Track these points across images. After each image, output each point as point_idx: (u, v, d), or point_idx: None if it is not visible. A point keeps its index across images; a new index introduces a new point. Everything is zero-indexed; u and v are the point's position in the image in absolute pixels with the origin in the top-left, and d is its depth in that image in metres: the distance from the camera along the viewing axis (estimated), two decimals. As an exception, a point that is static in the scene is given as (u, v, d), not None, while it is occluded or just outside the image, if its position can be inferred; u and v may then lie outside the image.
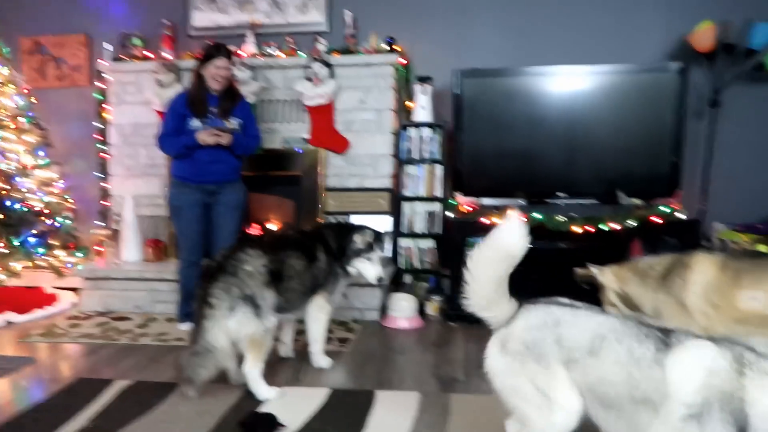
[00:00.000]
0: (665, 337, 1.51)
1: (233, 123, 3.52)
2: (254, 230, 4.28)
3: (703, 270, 2.31)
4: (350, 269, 3.02)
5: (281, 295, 2.71)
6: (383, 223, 4.17)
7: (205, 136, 3.43)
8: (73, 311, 4.15)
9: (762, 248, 3.61)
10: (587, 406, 1.63)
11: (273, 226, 4.23)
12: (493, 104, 4.00)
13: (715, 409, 1.35)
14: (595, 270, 2.56)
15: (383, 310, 3.90)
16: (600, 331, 1.59)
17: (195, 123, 3.47)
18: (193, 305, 2.68)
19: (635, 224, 3.64)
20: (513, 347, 1.71)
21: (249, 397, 2.60)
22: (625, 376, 1.52)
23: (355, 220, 4.19)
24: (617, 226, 3.64)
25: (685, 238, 3.45)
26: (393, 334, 3.62)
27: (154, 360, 3.15)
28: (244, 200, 3.70)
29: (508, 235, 1.68)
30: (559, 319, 1.67)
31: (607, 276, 2.53)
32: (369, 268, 3.02)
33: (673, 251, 2.57)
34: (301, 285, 2.83)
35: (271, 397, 2.61)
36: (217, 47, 3.50)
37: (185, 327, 3.48)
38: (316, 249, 2.95)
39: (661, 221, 3.65)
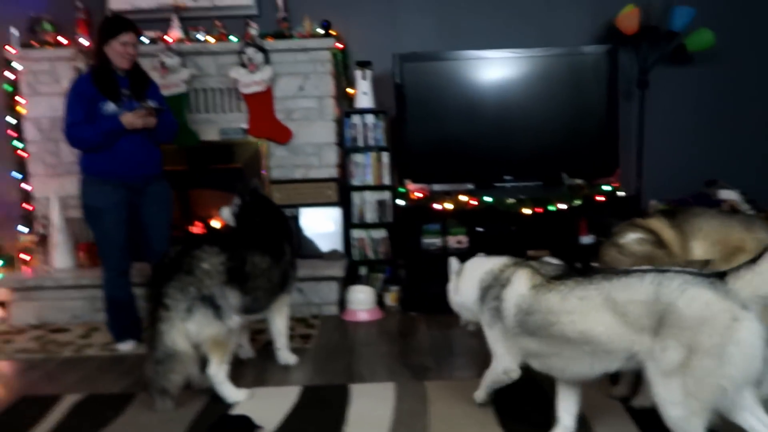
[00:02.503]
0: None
1: (153, 104, 3.06)
2: (197, 229, 4.06)
3: (662, 231, 2.43)
4: None
5: (247, 295, 2.56)
6: (332, 215, 4.10)
7: (134, 118, 2.98)
8: (1, 326, 3.78)
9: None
10: None
11: (216, 222, 4.03)
12: (433, 89, 3.98)
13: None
14: None
15: (342, 303, 3.82)
16: None
17: (110, 107, 3.02)
18: (145, 308, 2.50)
19: (580, 203, 3.77)
20: None
21: (216, 402, 2.47)
22: None
23: (303, 213, 4.08)
24: (564, 206, 3.76)
25: (626, 216, 3.61)
26: (354, 327, 3.55)
27: (104, 371, 2.93)
28: (171, 196, 3.36)
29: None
30: None
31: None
32: None
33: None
34: (268, 283, 2.70)
35: (240, 399, 2.49)
36: (121, 21, 3.10)
37: (126, 346, 3.19)
38: (282, 244, 2.82)
39: (603, 199, 3.80)
